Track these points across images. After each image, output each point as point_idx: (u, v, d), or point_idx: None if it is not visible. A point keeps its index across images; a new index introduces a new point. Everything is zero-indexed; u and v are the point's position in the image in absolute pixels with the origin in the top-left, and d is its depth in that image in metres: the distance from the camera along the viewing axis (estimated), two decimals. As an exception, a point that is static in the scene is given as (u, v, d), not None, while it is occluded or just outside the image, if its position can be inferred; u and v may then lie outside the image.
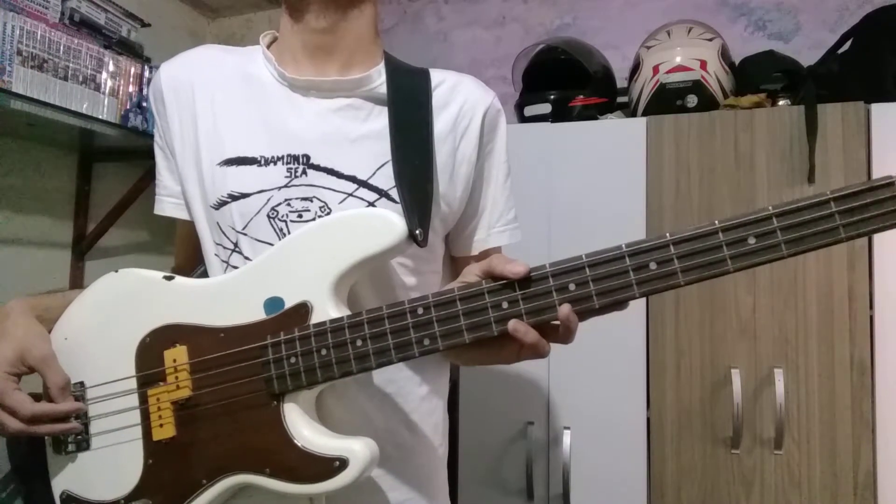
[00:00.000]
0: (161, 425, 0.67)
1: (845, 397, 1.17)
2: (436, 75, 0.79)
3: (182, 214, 0.79)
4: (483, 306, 0.58)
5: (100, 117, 1.31)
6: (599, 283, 0.56)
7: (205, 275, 0.77)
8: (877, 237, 1.17)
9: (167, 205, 0.81)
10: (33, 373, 0.68)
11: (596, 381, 1.31)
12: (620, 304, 0.57)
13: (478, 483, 1.37)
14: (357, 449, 0.60)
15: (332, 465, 0.60)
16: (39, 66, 1.18)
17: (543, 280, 0.57)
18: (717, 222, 0.54)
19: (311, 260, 0.64)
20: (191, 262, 0.85)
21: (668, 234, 0.55)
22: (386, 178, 0.71)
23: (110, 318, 0.71)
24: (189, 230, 0.81)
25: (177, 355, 0.67)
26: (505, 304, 0.57)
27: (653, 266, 0.55)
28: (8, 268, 1.40)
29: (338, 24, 0.74)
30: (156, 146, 0.80)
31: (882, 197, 0.50)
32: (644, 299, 1.29)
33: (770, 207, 0.53)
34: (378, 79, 0.76)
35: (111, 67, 1.33)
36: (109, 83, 1.33)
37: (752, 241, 0.53)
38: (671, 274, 0.54)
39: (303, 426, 0.62)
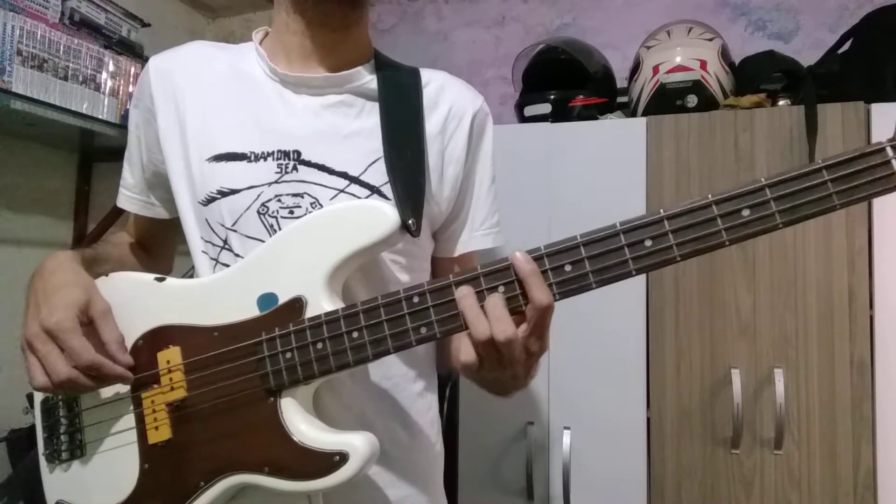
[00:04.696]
0: (156, 428, 0.66)
1: (845, 397, 1.17)
2: (425, 74, 0.79)
3: (132, 207, 0.82)
4: (479, 291, 0.57)
5: (100, 117, 1.31)
6: (595, 262, 0.55)
7: (194, 275, 0.76)
8: (877, 237, 1.18)
9: (122, 197, 0.83)
10: (89, 325, 0.65)
11: (596, 381, 1.31)
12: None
13: (478, 483, 1.37)
14: (357, 443, 0.60)
15: (332, 460, 0.59)
16: (39, 66, 1.18)
17: (538, 262, 0.56)
18: (710, 196, 0.54)
19: (304, 254, 0.64)
20: (147, 247, 0.87)
21: (662, 210, 0.55)
22: (377, 175, 0.71)
23: None
24: (139, 222, 0.84)
25: (170, 356, 0.66)
26: (501, 288, 0.57)
27: (648, 242, 0.54)
28: (8, 268, 1.40)
29: (350, 22, 0.74)
30: (128, 139, 0.81)
31: (874, 163, 0.50)
32: (644, 299, 1.30)
33: (763, 179, 0.53)
34: (369, 75, 0.76)
35: (111, 67, 1.34)
36: (109, 83, 1.33)
37: (746, 212, 0.53)
38: (666, 248, 0.54)
39: (300, 422, 0.62)
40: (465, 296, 0.57)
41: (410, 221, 0.65)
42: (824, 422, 1.18)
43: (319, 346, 0.61)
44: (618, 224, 0.55)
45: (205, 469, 0.64)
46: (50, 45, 1.20)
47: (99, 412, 0.69)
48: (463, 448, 1.38)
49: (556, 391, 1.33)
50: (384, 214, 0.63)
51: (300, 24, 0.73)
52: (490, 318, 0.56)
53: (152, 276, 0.71)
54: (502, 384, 0.63)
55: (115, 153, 1.55)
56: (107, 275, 0.72)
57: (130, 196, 0.82)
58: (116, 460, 0.67)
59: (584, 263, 0.55)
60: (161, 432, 0.66)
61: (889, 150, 0.50)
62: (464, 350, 0.59)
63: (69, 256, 0.70)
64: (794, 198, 0.52)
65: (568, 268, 0.56)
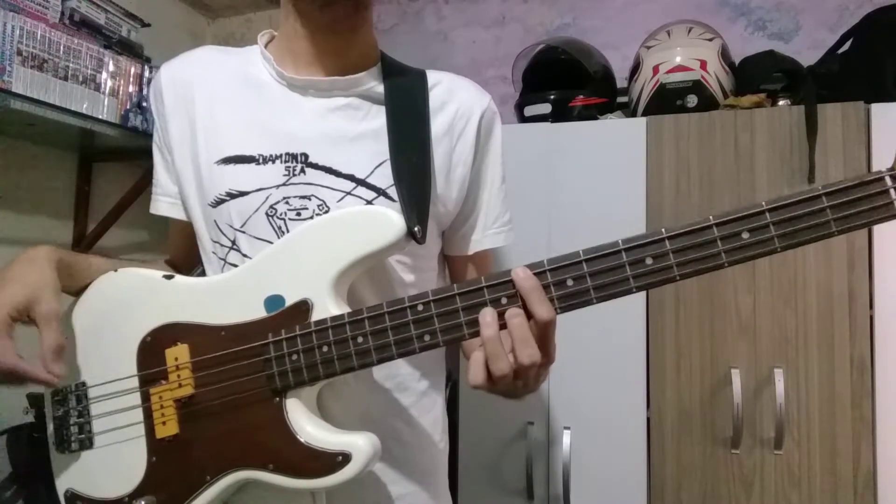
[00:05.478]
0: (164, 423, 0.67)
1: (845, 397, 1.17)
2: (432, 76, 0.80)
3: (177, 214, 0.80)
4: (482, 302, 0.59)
5: (100, 117, 1.31)
6: (596, 278, 0.57)
7: (203, 274, 0.77)
8: (877, 237, 1.18)
9: (162, 204, 0.81)
10: (31, 325, 0.64)
11: (596, 381, 1.31)
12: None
13: (478, 483, 1.37)
14: (360, 444, 0.61)
15: (336, 460, 0.60)
16: (39, 66, 1.18)
17: (541, 276, 0.58)
18: (711, 217, 0.55)
19: (311, 257, 0.65)
20: (186, 260, 0.85)
21: (663, 230, 0.56)
22: (384, 177, 0.72)
23: (111, 318, 0.71)
24: (183, 229, 0.81)
25: (178, 353, 0.67)
26: (504, 300, 0.58)
27: (649, 261, 0.56)
28: (8, 268, 1.39)
29: (356, 25, 0.75)
30: (154, 145, 0.81)
31: (872, 192, 0.52)
32: (644, 299, 1.30)
33: (763, 203, 0.54)
34: (375, 78, 0.76)
35: (111, 67, 1.34)
36: (109, 83, 1.33)
37: (745, 235, 0.54)
38: (667, 268, 0.55)
39: (305, 422, 0.63)
40: (488, 324, 0.57)
41: (416, 229, 0.66)
42: (824, 422, 1.18)
43: (325, 349, 0.62)
44: (620, 241, 0.57)
45: (211, 464, 0.65)
46: (50, 45, 1.20)
47: (107, 404, 0.70)
48: (463, 448, 1.38)
49: (556, 391, 1.33)
50: (391, 221, 0.63)
51: (307, 29, 0.74)
52: (515, 342, 0.57)
53: (161, 273, 0.72)
54: (511, 393, 0.64)
55: (115, 153, 1.57)
56: (115, 270, 0.73)
57: (174, 202, 0.79)
58: (124, 452, 0.69)
59: (585, 279, 0.57)
60: (169, 427, 0.67)
61: (888, 180, 0.51)
62: (472, 371, 0.60)
63: (46, 253, 0.69)
64: (793, 223, 0.53)
65: (570, 282, 0.57)
